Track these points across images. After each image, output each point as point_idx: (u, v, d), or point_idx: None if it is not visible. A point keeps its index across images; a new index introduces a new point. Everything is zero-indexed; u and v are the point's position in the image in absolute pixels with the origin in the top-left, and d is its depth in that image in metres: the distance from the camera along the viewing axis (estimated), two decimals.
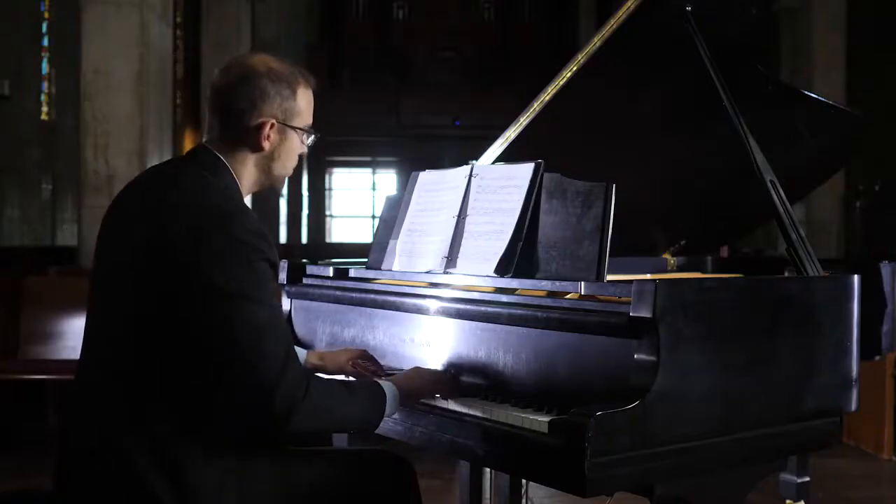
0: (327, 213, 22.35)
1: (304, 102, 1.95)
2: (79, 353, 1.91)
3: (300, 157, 2.00)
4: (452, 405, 1.98)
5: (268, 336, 1.71)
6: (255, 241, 1.75)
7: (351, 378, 2.18)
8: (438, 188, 2.38)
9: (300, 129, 1.95)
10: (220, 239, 1.72)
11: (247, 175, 1.93)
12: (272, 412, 1.70)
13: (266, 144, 1.90)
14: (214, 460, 1.77)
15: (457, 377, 2.08)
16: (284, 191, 17.31)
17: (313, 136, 1.99)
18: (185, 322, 1.73)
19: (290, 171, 1.99)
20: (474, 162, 2.37)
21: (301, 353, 2.27)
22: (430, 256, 2.29)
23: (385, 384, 1.97)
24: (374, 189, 22.25)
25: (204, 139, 1.97)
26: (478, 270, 2.15)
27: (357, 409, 1.90)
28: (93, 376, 1.85)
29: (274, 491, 1.85)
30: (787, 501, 3.19)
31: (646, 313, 1.74)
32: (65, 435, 1.87)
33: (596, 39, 2.38)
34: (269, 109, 1.89)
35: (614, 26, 2.34)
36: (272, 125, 1.90)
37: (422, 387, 2.04)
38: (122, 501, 1.75)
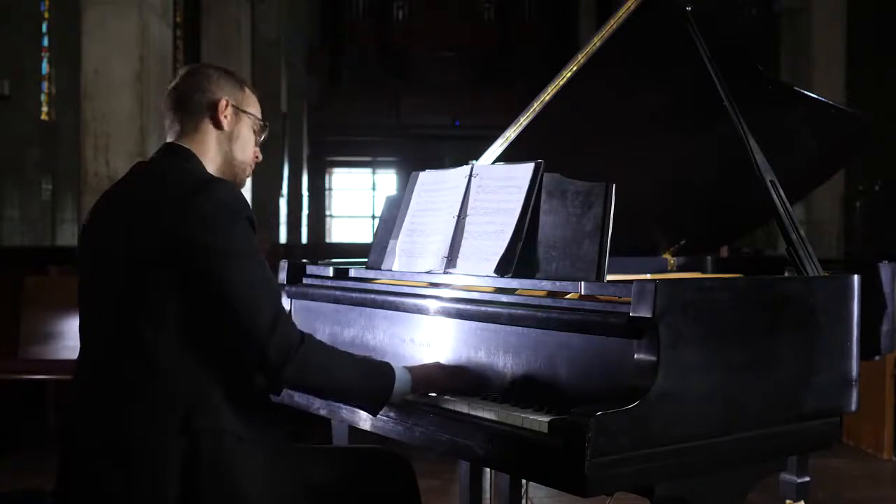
0: (327, 213, 22.38)
1: (252, 98, 2.11)
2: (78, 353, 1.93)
3: (256, 157, 2.11)
4: (452, 405, 1.97)
5: (259, 288, 1.82)
6: (234, 202, 1.85)
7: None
8: (438, 188, 2.38)
9: (252, 114, 2.08)
10: (201, 202, 1.81)
11: (212, 159, 2.02)
12: (267, 357, 1.80)
13: (224, 122, 2.03)
14: (217, 457, 1.77)
15: (471, 378, 2.07)
16: (284, 190, 17.36)
17: (265, 129, 2.14)
18: (180, 289, 1.78)
19: (249, 159, 2.10)
20: (474, 162, 2.37)
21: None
22: (429, 256, 2.29)
23: (397, 367, 1.98)
24: (374, 189, 22.27)
25: (170, 139, 2.04)
26: (478, 270, 2.15)
27: (359, 378, 1.94)
28: (92, 374, 1.86)
29: (277, 488, 1.85)
30: (787, 501, 3.19)
31: (646, 313, 1.74)
32: (67, 434, 1.88)
33: (596, 39, 2.38)
34: (220, 91, 2.04)
35: (614, 26, 2.34)
36: (227, 103, 2.03)
37: (439, 377, 2.04)
38: (127, 500, 1.75)
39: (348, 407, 2.23)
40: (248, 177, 2.13)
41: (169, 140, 2.03)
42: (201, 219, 1.80)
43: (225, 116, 2.02)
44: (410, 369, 2.01)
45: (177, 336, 1.79)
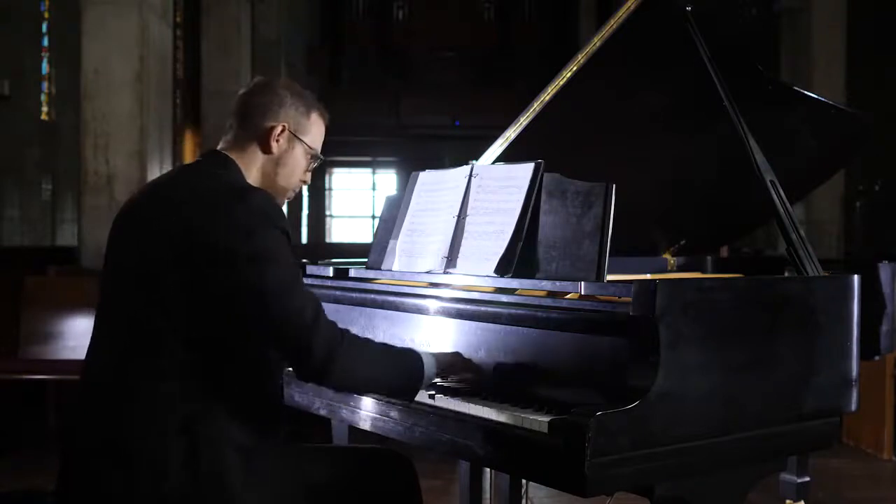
0: (327, 213, 22.35)
1: (315, 127, 2.08)
2: (79, 353, 1.93)
3: (303, 182, 2.08)
4: (452, 405, 1.97)
5: (296, 290, 1.81)
6: (270, 211, 1.84)
7: None
8: (438, 188, 2.38)
9: (307, 144, 2.05)
10: (236, 209, 1.80)
11: (253, 177, 2.00)
12: (313, 357, 1.79)
13: (274, 147, 2.00)
14: (222, 456, 1.78)
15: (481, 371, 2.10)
16: None
17: (318, 161, 2.10)
18: (211, 296, 1.77)
19: (292, 185, 2.07)
20: (474, 162, 2.38)
21: None
22: (429, 256, 2.29)
23: (423, 354, 2.00)
24: (374, 189, 22.25)
25: (219, 146, 2.03)
26: (478, 270, 2.15)
27: (397, 366, 1.96)
28: (97, 374, 1.86)
29: (278, 486, 1.86)
30: (787, 501, 3.20)
31: (646, 313, 1.74)
32: (67, 434, 1.88)
33: (596, 39, 2.38)
34: (283, 116, 2.01)
35: (614, 26, 2.34)
36: (283, 129, 2.00)
37: (458, 362, 2.06)
38: (127, 500, 1.75)
39: (349, 406, 2.23)
40: (286, 201, 2.11)
41: (220, 146, 2.02)
42: (234, 225, 1.78)
43: (276, 141, 2.00)
44: (434, 354, 2.03)
45: (186, 342, 1.78)
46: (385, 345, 2.03)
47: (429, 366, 1.98)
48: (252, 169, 2.00)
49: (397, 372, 1.96)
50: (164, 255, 1.80)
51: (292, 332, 1.79)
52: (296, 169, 2.05)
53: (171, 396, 1.77)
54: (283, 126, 2.00)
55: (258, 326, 1.81)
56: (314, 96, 2.11)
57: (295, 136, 2.03)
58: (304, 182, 2.10)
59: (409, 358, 1.99)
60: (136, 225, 1.90)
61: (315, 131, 2.08)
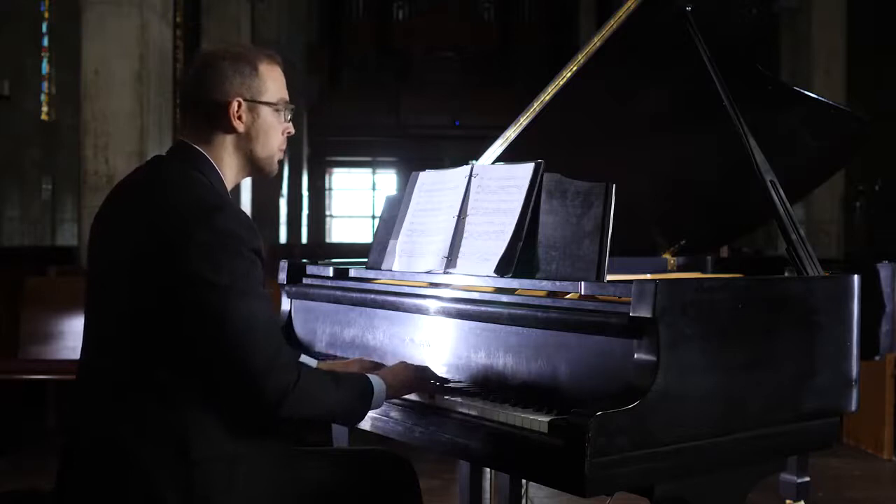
0: (327, 213, 22.37)
1: (269, 78, 1.94)
2: (79, 353, 1.92)
3: (290, 137, 2.00)
4: (452, 405, 1.97)
5: (258, 326, 1.75)
6: (240, 232, 1.76)
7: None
8: (438, 188, 2.38)
9: (271, 103, 1.93)
10: (205, 233, 1.73)
11: (229, 162, 1.92)
12: (263, 399, 1.74)
13: (238, 125, 1.90)
14: (220, 456, 1.77)
15: (437, 376, 2.09)
16: (284, 190, 17.35)
17: (290, 109, 1.98)
18: (179, 317, 1.74)
19: (274, 150, 1.96)
20: (474, 162, 2.38)
21: (310, 362, 2.28)
22: (429, 256, 2.29)
23: (373, 378, 1.97)
24: (374, 189, 22.27)
25: (186, 138, 1.94)
26: (478, 270, 2.15)
27: (345, 400, 1.91)
28: (95, 375, 1.85)
29: (277, 489, 1.85)
30: (787, 501, 3.20)
31: (646, 313, 1.74)
32: (68, 434, 1.88)
33: (596, 39, 2.38)
34: (232, 89, 1.89)
35: (614, 26, 2.34)
36: (239, 104, 1.89)
37: (407, 382, 2.04)
38: (128, 499, 1.75)
39: None
40: (277, 166, 1.99)
41: (188, 138, 1.92)
42: (202, 252, 1.72)
43: (238, 118, 1.89)
44: (384, 377, 2.00)
45: (174, 357, 1.76)
46: (336, 380, 1.92)
47: (378, 393, 1.95)
48: (225, 156, 1.91)
49: (346, 405, 1.92)
50: (144, 282, 1.76)
51: (245, 372, 1.73)
52: (270, 133, 1.93)
53: (163, 394, 1.76)
54: (238, 101, 1.88)
55: (215, 360, 1.75)
56: (252, 46, 1.98)
57: (254, 102, 1.90)
58: (289, 134, 1.99)
59: (359, 391, 1.94)
60: (115, 243, 1.85)
61: (271, 84, 1.93)
